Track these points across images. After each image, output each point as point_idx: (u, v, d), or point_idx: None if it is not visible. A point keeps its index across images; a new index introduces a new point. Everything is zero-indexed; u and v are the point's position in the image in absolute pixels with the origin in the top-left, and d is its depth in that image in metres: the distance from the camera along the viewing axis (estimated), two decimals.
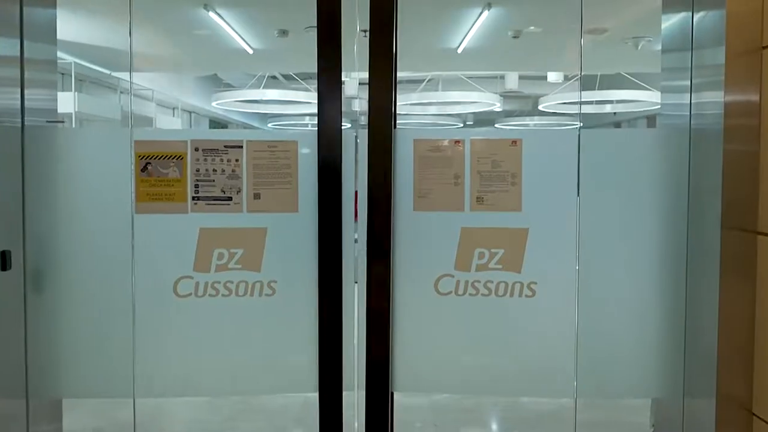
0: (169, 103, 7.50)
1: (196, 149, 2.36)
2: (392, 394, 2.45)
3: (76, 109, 4.49)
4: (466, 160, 2.42)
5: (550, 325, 2.42)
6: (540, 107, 8.28)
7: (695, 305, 2.25)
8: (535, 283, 2.40)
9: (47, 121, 2.34)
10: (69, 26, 4.32)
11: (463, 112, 10.65)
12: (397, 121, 2.53)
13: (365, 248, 2.34)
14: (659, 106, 7.29)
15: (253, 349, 2.42)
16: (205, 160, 2.37)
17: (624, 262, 2.37)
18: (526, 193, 2.40)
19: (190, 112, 8.45)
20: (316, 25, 2.38)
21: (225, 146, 2.38)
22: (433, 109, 9.56)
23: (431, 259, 2.43)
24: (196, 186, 2.36)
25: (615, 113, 9.51)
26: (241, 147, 2.37)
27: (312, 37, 4.56)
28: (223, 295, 2.36)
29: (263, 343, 2.42)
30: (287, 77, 8.46)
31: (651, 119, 11.42)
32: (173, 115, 7.60)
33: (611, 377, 2.40)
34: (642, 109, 8.83)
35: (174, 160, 2.35)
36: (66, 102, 4.50)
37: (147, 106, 6.18)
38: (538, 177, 2.39)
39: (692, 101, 2.24)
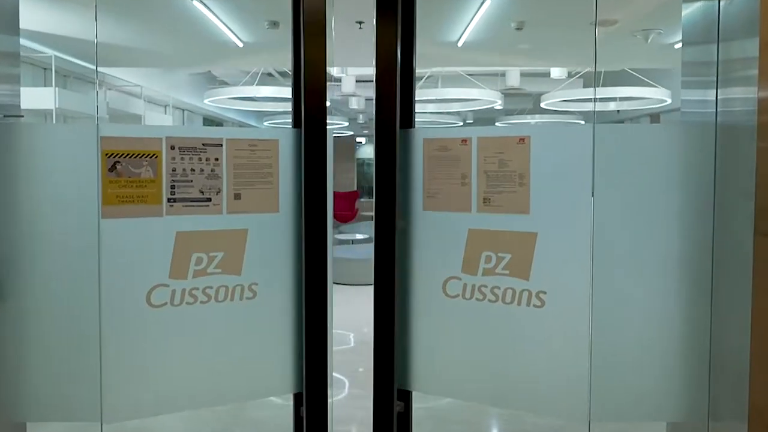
0: (160, 100, 7.29)
1: (172, 147, 2.18)
2: (411, 393, 2.49)
3: (57, 106, 4.27)
4: (473, 159, 2.32)
5: (561, 340, 2.21)
6: (542, 105, 8.07)
7: (722, 318, 2.03)
8: (545, 293, 2.20)
9: (4, 116, 2.12)
10: (50, 17, 4.10)
11: (462, 110, 10.46)
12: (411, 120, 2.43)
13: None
14: (666, 104, 7.02)
15: (235, 355, 2.30)
16: (182, 159, 2.19)
17: (642, 272, 2.15)
18: (534, 194, 2.21)
19: (182, 110, 8.23)
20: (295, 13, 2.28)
21: (204, 144, 2.22)
22: (431, 107, 9.37)
23: (440, 260, 2.36)
24: (173, 187, 2.18)
25: (618, 111, 9.30)
26: (221, 145, 2.25)
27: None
28: (201, 302, 2.22)
29: (245, 348, 2.32)
30: (283, 74, 8.25)
31: (654, 117, 11.22)
32: (165, 113, 7.38)
33: (628, 398, 2.18)
34: (647, 107, 8.63)
35: (147, 158, 2.14)
36: (45, 98, 4.28)
37: (136, 103, 5.96)
38: (548, 177, 2.18)
39: (719, 97, 2.04)
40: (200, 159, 2.21)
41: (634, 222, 2.15)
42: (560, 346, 2.21)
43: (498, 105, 8.12)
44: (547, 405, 2.28)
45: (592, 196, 2.12)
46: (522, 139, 2.22)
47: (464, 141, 2.32)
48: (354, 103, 9.86)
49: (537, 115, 10.51)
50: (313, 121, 2.28)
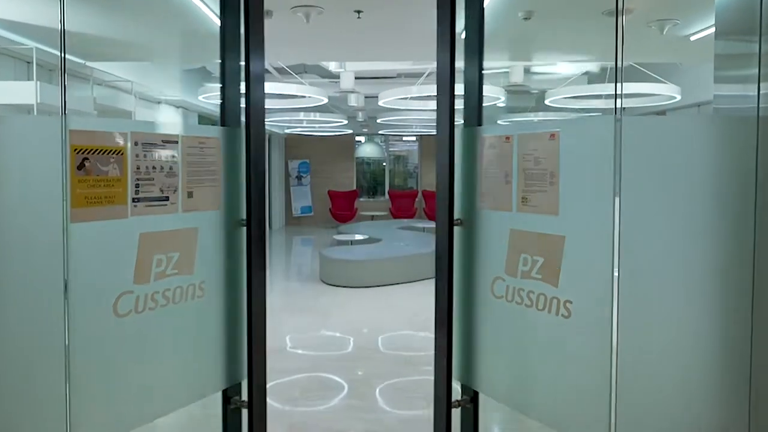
0: (152, 96, 7.05)
1: (136, 143, 2.02)
2: (477, 393, 2.48)
3: (39, 101, 4.03)
4: (514, 157, 2.23)
5: (584, 356, 1.98)
6: (547, 102, 7.83)
7: (765, 331, 1.82)
8: (571, 302, 1.99)
9: None
10: (32, 8, 3.87)
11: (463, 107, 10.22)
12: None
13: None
14: (674, 101, 6.73)
15: (191, 355, 2.28)
16: (145, 156, 2.05)
17: (674, 282, 1.92)
18: (563, 194, 2.00)
19: (176, 107, 8.00)
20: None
21: (163, 141, 2.10)
22: (432, 105, 9.14)
23: (489, 259, 2.32)
24: (137, 185, 2.04)
25: (624, 108, 9.07)
26: (177, 142, 2.16)
27: (299, 20, 4.02)
28: (161, 306, 2.13)
29: (198, 347, 2.31)
30: (280, 70, 8.04)
31: (660, 115, 11.00)
32: (158, 110, 7.14)
33: (656, 427, 1.96)
34: (652, 105, 8.40)
35: (114, 155, 1.93)
36: (26, 92, 4.05)
37: (126, 99, 5.73)
38: (576, 175, 1.96)
39: (761, 92, 1.86)
40: (160, 156, 2.11)
41: (667, 226, 1.92)
42: (583, 362, 1.99)
43: (501, 102, 7.89)
44: (566, 423, 2.07)
45: (617, 196, 1.90)
46: (552, 135, 2.03)
47: (507, 138, 2.23)
48: (353, 101, 9.62)
49: (541, 113, 10.27)
50: (253, 118, 2.28)
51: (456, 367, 2.44)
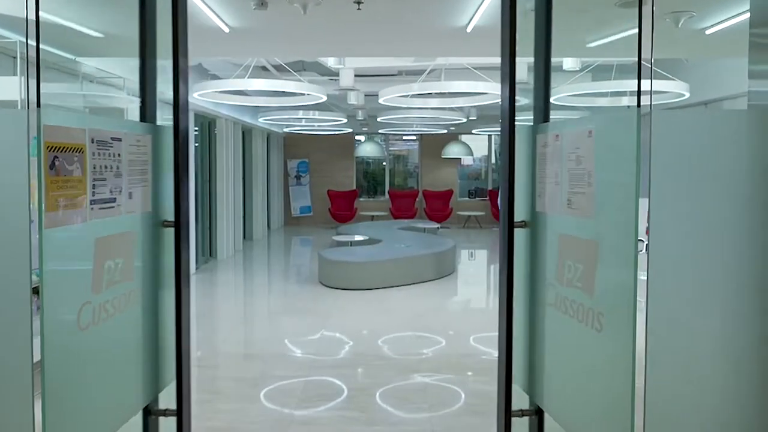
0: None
1: (93, 140, 1.86)
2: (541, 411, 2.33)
3: (23, 97, 3.84)
4: (562, 156, 2.07)
5: (610, 377, 1.79)
6: (552, 99, 7.63)
7: None
8: (603, 315, 1.81)
9: None
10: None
11: (465, 105, 10.03)
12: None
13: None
14: (683, 98, 6.51)
15: (132, 367, 2.15)
16: (100, 154, 1.89)
17: (709, 299, 1.73)
18: (597, 194, 1.80)
19: (168, 104, 7.80)
20: None
21: (112, 138, 1.95)
22: (434, 102, 8.95)
23: (545, 263, 2.20)
24: (94, 186, 1.88)
25: (629, 107, 8.87)
26: (121, 140, 2.02)
27: (296, 12, 3.77)
28: (110, 316, 1.99)
29: (137, 358, 2.18)
30: (278, 67, 7.85)
31: None
32: None
33: None
34: (659, 103, 8.20)
35: (77, 153, 1.74)
36: (11, 87, 3.85)
37: (118, 96, 5.53)
38: (610, 173, 1.77)
39: None
40: (110, 155, 1.97)
41: (698, 227, 1.73)
42: (610, 383, 1.79)
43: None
44: None
45: (645, 197, 1.71)
46: (590, 132, 1.84)
47: (557, 136, 2.09)
48: (353, 99, 9.42)
49: None
50: (181, 117, 2.19)
51: (519, 375, 2.34)
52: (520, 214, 2.28)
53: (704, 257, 1.74)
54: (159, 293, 2.24)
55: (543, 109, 2.32)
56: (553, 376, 2.14)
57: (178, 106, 2.14)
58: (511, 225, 2.18)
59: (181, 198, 2.15)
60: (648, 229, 1.72)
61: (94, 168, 1.85)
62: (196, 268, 8.90)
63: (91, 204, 1.84)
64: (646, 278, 1.73)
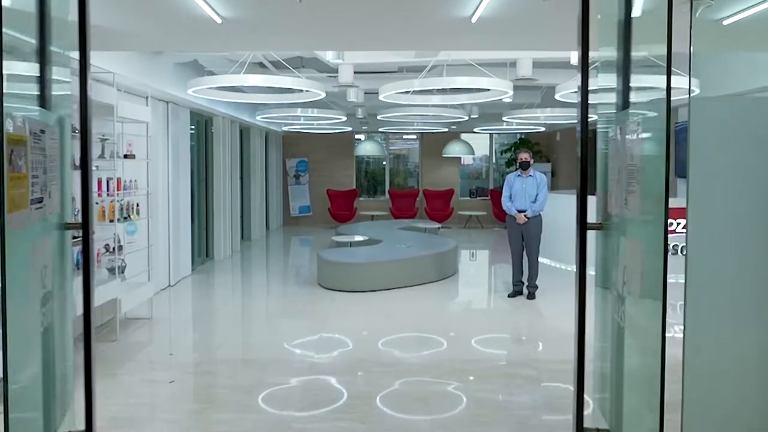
0: (139, 90, 6.65)
1: (31, 133, 1.65)
2: None
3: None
4: (625, 153, 1.85)
5: (650, 391, 1.60)
6: (556, 96, 7.43)
7: None
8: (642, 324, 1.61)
9: None
10: None
11: (467, 103, 9.82)
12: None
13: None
14: (691, 95, 6.31)
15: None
16: (34, 150, 1.67)
17: (748, 303, 1.54)
18: (642, 193, 1.61)
19: (166, 102, 7.60)
20: None
21: (41, 131, 1.73)
22: (435, 99, 8.75)
23: (612, 267, 2.05)
24: (33, 184, 1.67)
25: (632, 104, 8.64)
26: (45, 132, 1.79)
27: (292, 2, 3.52)
28: (42, 325, 1.82)
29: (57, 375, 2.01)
30: (276, 64, 7.65)
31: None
32: (146, 104, 6.74)
33: None
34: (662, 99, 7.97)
35: (23, 147, 1.55)
36: None
37: (108, 92, 5.32)
38: (652, 171, 1.57)
39: None
40: (41, 149, 1.74)
41: (740, 226, 1.53)
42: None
43: (508, 97, 7.50)
44: None
45: (684, 197, 1.51)
46: (639, 125, 1.65)
47: (621, 129, 1.92)
48: (352, 96, 9.20)
49: (548, 109, 9.87)
50: (87, 112, 2.00)
51: (592, 386, 2.21)
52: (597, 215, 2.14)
53: (742, 258, 1.54)
54: (65, 298, 2.08)
55: (623, 100, 2.17)
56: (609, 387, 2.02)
57: (86, 101, 1.97)
58: (583, 226, 2.01)
59: (88, 198, 1.95)
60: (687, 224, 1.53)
61: (32, 164, 1.66)
62: (192, 269, 8.70)
63: (32, 203, 1.65)
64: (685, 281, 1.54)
